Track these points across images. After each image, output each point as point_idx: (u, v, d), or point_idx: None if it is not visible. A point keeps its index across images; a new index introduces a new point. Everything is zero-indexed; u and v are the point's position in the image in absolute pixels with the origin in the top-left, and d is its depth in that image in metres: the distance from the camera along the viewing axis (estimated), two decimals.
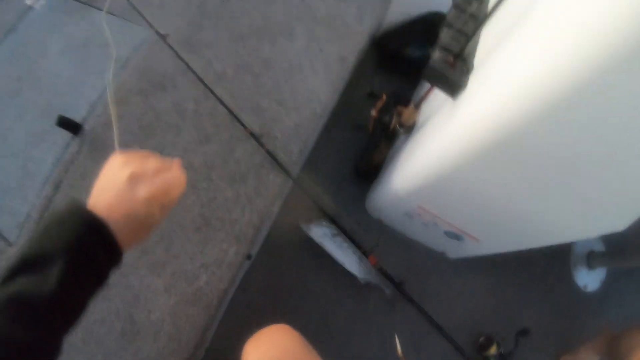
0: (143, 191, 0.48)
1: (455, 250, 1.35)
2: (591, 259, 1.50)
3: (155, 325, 0.90)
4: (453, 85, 0.85)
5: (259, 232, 0.98)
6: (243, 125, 1.01)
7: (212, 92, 1.04)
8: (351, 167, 1.45)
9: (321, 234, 1.20)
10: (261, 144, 0.99)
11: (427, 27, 1.52)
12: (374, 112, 1.17)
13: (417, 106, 1.01)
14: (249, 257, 0.95)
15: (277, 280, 1.28)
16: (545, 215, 0.90)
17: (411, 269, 1.37)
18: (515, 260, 1.20)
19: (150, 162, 0.50)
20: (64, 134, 1.21)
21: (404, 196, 1.10)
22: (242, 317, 1.14)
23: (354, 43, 1.16)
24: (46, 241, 0.43)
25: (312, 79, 1.10)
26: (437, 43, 0.90)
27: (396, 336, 0.96)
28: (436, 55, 0.88)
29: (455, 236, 1.17)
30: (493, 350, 1.26)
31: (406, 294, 1.11)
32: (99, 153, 1.14)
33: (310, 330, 1.19)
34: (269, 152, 0.99)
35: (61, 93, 1.31)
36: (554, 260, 1.34)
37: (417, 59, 1.51)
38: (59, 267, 0.41)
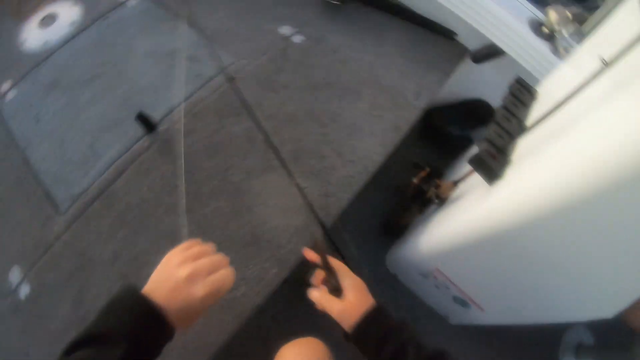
0: (199, 292, 0.58)
1: (458, 317, 1.47)
2: (580, 351, 1.57)
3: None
4: (492, 174, 0.98)
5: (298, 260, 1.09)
6: (289, 173, 1.13)
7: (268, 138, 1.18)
8: (379, 223, 1.60)
9: None
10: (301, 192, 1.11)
11: (469, 111, 1.71)
12: (416, 180, 1.32)
13: (456, 183, 1.16)
14: (285, 280, 1.06)
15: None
16: (549, 294, 1.03)
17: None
18: (512, 339, 1.31)
19: (204, 263, 0.61)
20: (137, 129, 1.33)
21: (425, 258, 1.23)
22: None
23: (409, 115, 1.32)
24: (111, 322, 0.52)
25: (369, 140, 1.24)
26: (484, 135, 1.04)
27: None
28: (483, 145, 1.02)
29: (462, 302, 1.30)
30: None
31: None
32: (166, 156, 1.27)
33: None
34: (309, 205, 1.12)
35: (141, 91, 1.44)
36: (544, 348, 1.45)
37: (455, 137, 1.69)
38: (122, 349, 0.49)
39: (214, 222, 1.12)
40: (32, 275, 1.21)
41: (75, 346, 0.49)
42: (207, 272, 0.61)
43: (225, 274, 0.62)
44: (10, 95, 1.62)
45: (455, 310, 1.39)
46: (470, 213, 1.05)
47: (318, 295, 0.76)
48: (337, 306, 0.73)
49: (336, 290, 0.75)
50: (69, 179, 1.36)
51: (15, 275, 1.23)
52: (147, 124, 1.30)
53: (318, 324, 0.79)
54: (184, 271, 0.59)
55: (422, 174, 1.32)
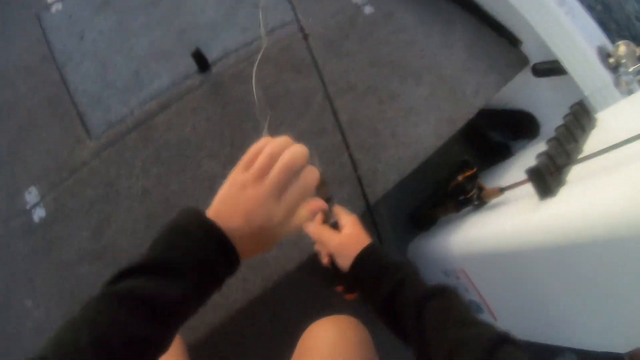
0: (279, 212, 0.47)
1: None
2: None
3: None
4: (547, 189, 0.97)
5: None
6: (345, 140, 1.10)
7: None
8: (409, 212, 1.59)
9: None
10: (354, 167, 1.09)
11: (514, 121, 1.69)
12: (460, 177, 1.29)
13: (502, 190, 1.14)
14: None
15: None
16: (572, 319, 1.02)
17: None
18: None
19: (274, 166, 0.47)
20: (189, 65, 1.28)
21: (452, 256, 1.22)
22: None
23: (465, 111, 1.29)
24: (173, 251, 0.44)
25: (424, 127, 1.21)
26: (545, 150, 1.02)
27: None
28: (543, 159, 1.01)
29: (476, 306, 1.29)
30: None
31: None
32: (216, 99, 1.22)
33: None
34: (359, 179, 1.09)
35: (200, 27, 1.39)
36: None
37: (494, 144, 1.67)
38: (184, 281, 0.43)
39: None
40: (49, 198, 1.17)
41: (125, 275, 0.42)
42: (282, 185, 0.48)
43: (308, 173, 0.48)
44: (56, 8, 1.55)
45: None
46: (514, 223, 1.03)
47: (316, 227, 0.74)
48: (335, 239, 0.72)
49: (334, 226, 0.74)
50: (108, 103, 1.30)
51: (32, 195, 1.19)
52: (201, 62, 1.25)
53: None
54: (257, 188, 0.46)
55: (469, 172, 1.29)
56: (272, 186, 0.46)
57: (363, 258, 0.69)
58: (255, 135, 0.50)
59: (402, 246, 1.57)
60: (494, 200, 1.20)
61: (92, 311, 0.40)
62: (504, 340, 0.56)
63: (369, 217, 1.08)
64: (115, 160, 1.18)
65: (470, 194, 1.26)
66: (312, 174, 0.49)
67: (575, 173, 0.98)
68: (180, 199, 1.07)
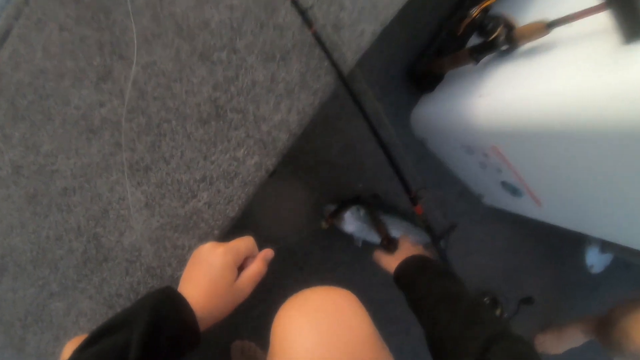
0: (217, 248, 0.54)
1: (496, 199, 1.18)
2: (606, 243, 1.44)
3: (129, 254, 0.66)
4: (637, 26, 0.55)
5: (292, 139, 0.70)
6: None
7: None
8: (404, 69, 1.17)
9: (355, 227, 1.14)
10: (307, 22, 0.65)
11: None
12: (475, 11, 0.82)
13: (550, 26, 0.69)
14: (272, 173, 0.69)
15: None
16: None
17: (441, 206, 1.26)
18: (540, 224, 1.09)
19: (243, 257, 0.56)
20: None
21: (481, 130, 0.84)
22: None
23: None
24: (130, 312, 0.46)
25: None
26: None
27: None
28: None
29: (513, 190, 0.98)
30: (496, 314, 1.20)
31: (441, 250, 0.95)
32: None
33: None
34: (318, 40, 0.66)
35: None
36: (573, 234, 1.26)
37: None
38: (139, 330, 0.44)
39: None
40: None
41: (95, 339, 0.45)
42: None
43: (242, 238, 0.57)
44: None
45: (498, 194, 1.08)
46: (581, 80, 0.62)
47: (376, 256, 0.95)
48: (392, 263, 0.85)
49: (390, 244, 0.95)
50: None
51: None
52: None
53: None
54: (208, 245, 0.56)
55: (487, 2, 0.82)
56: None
57: (404, 263, 0.81)
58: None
59: (400, 116, 1.19)
60: (533, 44, 0.76)
61: None
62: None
63: (345, 89, 0.71)
64: None
65: (494, 34, 0.81)
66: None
67: None
68: (57, 160, 0.69)
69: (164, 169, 0.66)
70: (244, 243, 0.56)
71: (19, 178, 0.68)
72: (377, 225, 1.06)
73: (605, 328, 1.10)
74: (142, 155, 0.66)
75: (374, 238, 1.12)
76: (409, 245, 0.91)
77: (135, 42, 0.63)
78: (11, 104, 0.68)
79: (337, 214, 1.11)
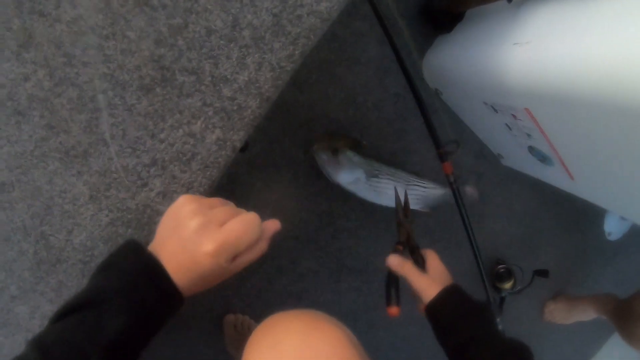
0: (208, 245, 0.42)
1: (517, 162, 1.05)
2: None
3: (82, 254, 0.55)
4: None
5: (265, 106, 0.55)
6: None
7: None
8: (418, 3, 0.99)
9: (352, 179, 0.97)
10: None
11: None
12: None
13: None
14: (243, 148, 0.54)
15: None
16: None
17: (458, 166, 1.12)
18: (558, 192, 0.97)
19: (219, 212, 0.44)
20: None
21: (512, 88, 0.67)
22: None
23: None
24: (109, 283, 0.42)
25: None
26: None
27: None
28: None
29: (543, 158, 0.82)
30: (509, 285, 1.12)
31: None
32: None
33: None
34: None
35: None
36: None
37: None
38: (118, 319, 0.40)
39: None
40: None
41: (65, 314, 0.40)
42: (222, 222, 0.43)
43: (244, 224, 0.44)
44: None
45: (523, 158, 0.93)
46: None
47: (402, 263, 0.68)
48: (424, 280, 0.66)
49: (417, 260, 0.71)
50: None
51: None
52: None
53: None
54: (194, 221, 0.42)
55: None
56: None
57: (441, 301, 0.64)
58: None
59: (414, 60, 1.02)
60: None
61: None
62: None
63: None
64: None
65: None
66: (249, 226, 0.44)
67: None
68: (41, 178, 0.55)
69: (105, 153, 0.51)
70: (247, 236, 0.44)
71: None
72: (399, 224, 0.78)
73: (625, 317, 1.04)
74: (79, 138, 0.51)
75: (370, 195, 1.01)
76: (442, 268, 0.72)
77: None
78: None
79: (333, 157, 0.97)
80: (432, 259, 0.72)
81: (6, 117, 0.50)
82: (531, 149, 0.84)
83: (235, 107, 0.51)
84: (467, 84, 0.85)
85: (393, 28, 0.97)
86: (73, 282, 0.58)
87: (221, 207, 0.45)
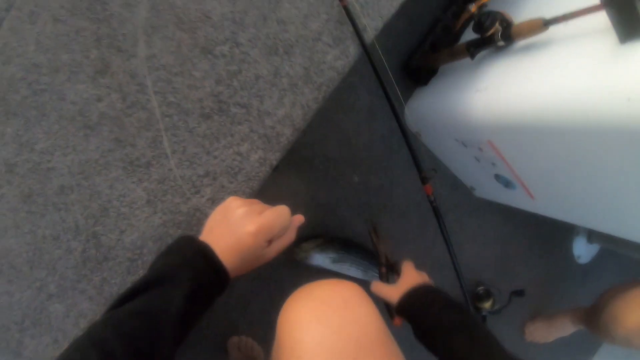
0: (251, 226, 0.52)
1: (487, 192, 1.21)
2: (592, 234, 1.49)
3: (130, 252, 0.65)
4: (634, 26, 0.58)
5: (296, 134, 0.71)
6: None
7: None
8: (400, 62, 1.18)
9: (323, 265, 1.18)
10: None
11: None
12: (473, 7, 0.84)
13: (549, 23, 0.71)
14: (275, 168, 0.70)
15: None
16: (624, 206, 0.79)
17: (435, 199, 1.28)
18: (529, 215, 1.14)
19: (258, 205, 0.58)
20: None
21: (476, 125, 0.86)
22: None
23: None
24: (167, 268, 0.49)
25: None
26: None
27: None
28: None
29: (507, 183, 1.00)
30: (488, 305, 1.23)
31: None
32: None
33: None
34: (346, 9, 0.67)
35: None
36: (562, 225, 1.30)
37: None
38: (182, 291, 0.47)
39: None
40: None
41: (128, 297, 0.46)
42: (261, 210, 0.56)
43: (278, 212, 0.56)
44: None
45: (491, 186, 1.11)
46: (574, 76, 0.64)
47: (373, 285, 0.81)
48: (392, 291, 0.77)
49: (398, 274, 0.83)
50: None
51: None
52: None
53: None
54: (241, 209, 0.55)
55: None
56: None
57: (407, 294, 0.73)
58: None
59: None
60: (529, 41, 0.78)
61: (97, 333, 0.42)
62: None
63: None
64: None
65: (491, 30, 0.82)
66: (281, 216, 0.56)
67: None
68: (53, 157, 0.67)
69: (165, 164, 0.66)
70: (280, 221, 0.55)
71: (12, 177, 0.66)
72: (375, 248, 0.96)
73: (594, 314, 1.13)
74: (143, 151, 0.65)
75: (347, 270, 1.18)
76: (413, 273, 0.81)
77: (135, 34, 0.63)
78: (3, 100, 0.66)
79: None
80: (406, 268, 0.81)
81: (75, 129, 0.63)
82: (497, 177, 1.02)
83: (274, 134, 0.67)
84: (441, 125, 1.04)
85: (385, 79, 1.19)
86: (117, 280, 0.65)
87: (260, 203, 0.59)
